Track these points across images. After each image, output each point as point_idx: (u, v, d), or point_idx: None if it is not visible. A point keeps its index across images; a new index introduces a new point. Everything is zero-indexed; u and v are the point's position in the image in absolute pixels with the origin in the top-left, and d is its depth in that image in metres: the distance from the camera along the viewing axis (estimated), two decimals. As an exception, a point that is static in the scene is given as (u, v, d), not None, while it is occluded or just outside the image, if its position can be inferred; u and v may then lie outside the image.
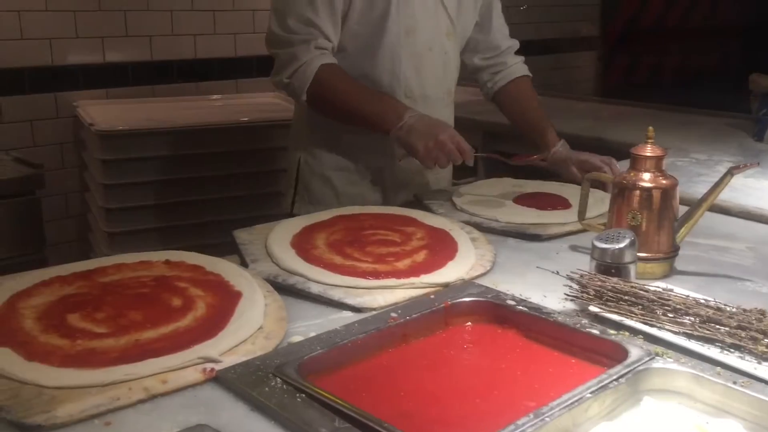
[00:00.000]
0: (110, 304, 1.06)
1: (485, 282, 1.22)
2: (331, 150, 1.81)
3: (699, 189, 1.76)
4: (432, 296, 1.15)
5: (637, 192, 1.25)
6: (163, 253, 1.24)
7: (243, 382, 0.89)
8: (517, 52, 2.04)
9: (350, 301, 1.13)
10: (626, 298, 1.06)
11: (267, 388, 0.88)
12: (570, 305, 1.12)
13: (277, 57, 1.70)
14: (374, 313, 1.10)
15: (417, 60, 1.76)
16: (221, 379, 0.91)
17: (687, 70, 4.65)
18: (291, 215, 1.76)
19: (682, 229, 1.27)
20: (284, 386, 0.88)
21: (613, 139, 2.56)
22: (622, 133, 2.60)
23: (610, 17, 4.69)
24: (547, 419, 0.79)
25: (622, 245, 1.14)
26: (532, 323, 1.07)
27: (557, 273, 1.15)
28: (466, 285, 1.20)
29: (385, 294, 1.15)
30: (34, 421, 0.80)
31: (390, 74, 1.74)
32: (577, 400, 0.83)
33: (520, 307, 1.10)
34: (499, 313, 1.11)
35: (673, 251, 1.26)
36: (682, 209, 1.30)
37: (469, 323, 1.11)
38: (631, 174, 1.26)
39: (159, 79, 3.07)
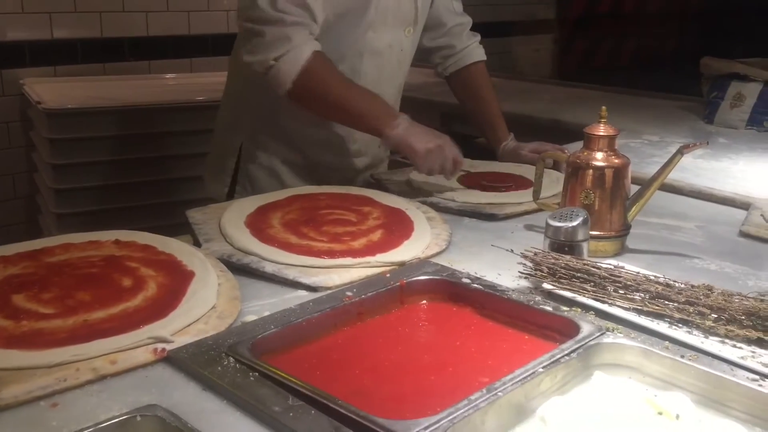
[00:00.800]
0: (57, 285, 1.03)
1: (441, 261, 1.22)
2: (280, 141, 1.75)
3: (651, 169, 1.78)
4: (387, 275, 1.14)
5: (590, 171, 1.26)
6: (113, 233, 1.21)
7: (195, 362, 0.88)
8: (485, 34, 2.01)
9: (305, 280, 1.12)
10: (578, 275, 1.07)
11: (219, 368, 0.86)
12: (524, 283, 1.13)
13: (260, 34, 1.55)
14: (329, 292, 1.10)
15: (377, 57, 1.71)
16: (173, 359, 0.89)
17: (644, 55, 4.72)
18: None
19: (634, 207, 1.29)
20: (237, 365, 0.87)
21: (569, 120, 2.59)
22: (578, 115, 2.62)
23: (567, 1, 4.73)
24: (499, 394, 0.80)
25: (575, 223, 1.15)
26: (486, 301, 1.07)
27: (511, 251, 1.15)
28: (421, 264, 1.20)
29: (340, 273, 1.14)
30: (-24, 403, 0.78)
31: (351, 70, 1.68)
32: (529, 375, 0.84)
33: (475, 285, 1.10)
34: (454, 291, 1.11)
35: (625, 230, 1.28)
36: (634, 189, 1.32)
37: (425, 301, 1.11)
38: (584, 153, 1.28)
39: (109, 56, 2.99)
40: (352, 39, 1.65)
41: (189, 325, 0.96)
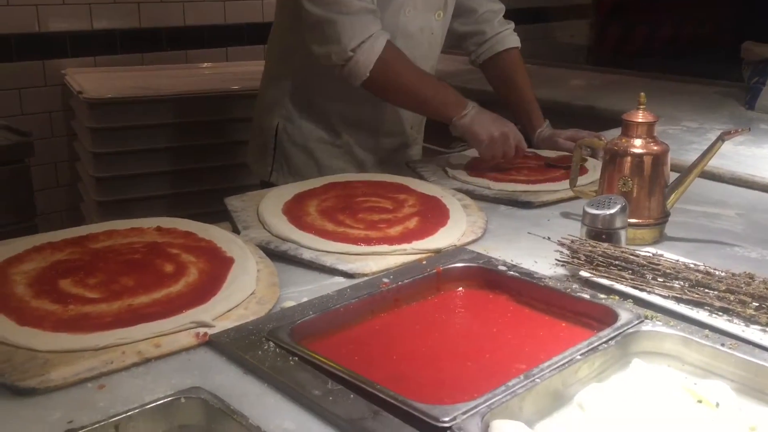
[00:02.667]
0: (102, 270, 1.06)
1: (476, 248, 1.22)
2: (316, 122, 1.78)
3: (690, 157, 1.76)
4: (424, 262, 1.15)
5: (629, 158, 1.25)
6: (155, 220, 1.23)
7: (236, 346, 0.90)
8: (518, 21, 2.00)
9: (342, 266, 1.14)
10: (616, 263, 1.07)
11: (260, 352, 0.88)
12: (561, 271, 1.13)
13: (331, 23, 1.55)
14: (366, 278, 1.11)
15: (409, 40, 1.72)
16: (214, 343, 0.91)
17: (681, 39, 4.62)
18: (270, 185, 1.74)
19: (673, 195, 1.28)
20: (277, 350, 0.88)
21: (605, 107, 2.55)
22: (614, 101, 2.59)
23: (603, -14, 4.65)
24: (537, 380, 0.80)
25: (612, 211, 1.15)
26: (523, 288, 1.07)
27: (548, 239, 1.15)
28: (457, 251, 1.20)
29: (377, 260, 1.15)
30: (28, 384, 0.81)
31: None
32: (567, 362, 0.84)
33: (512, 273, 1.10)
34: (491, 278, 1.11)
35: (664, 217, 1.27)
36: (673, 176, 1.31)
37: (461, 288, 1.12)
38: (623, 140, 1.26)
39: (147, 46, 3.03)
40: (385, 22, 1.66)
41: (229, 311, 0.98)
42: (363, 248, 1.19)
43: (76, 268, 1.06)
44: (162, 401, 0.77)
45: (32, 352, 0.86)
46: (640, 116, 1.25)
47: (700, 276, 1.01)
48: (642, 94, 1.26)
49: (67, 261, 1.08)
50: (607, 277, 1.05)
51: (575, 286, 1.06)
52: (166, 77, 2.88)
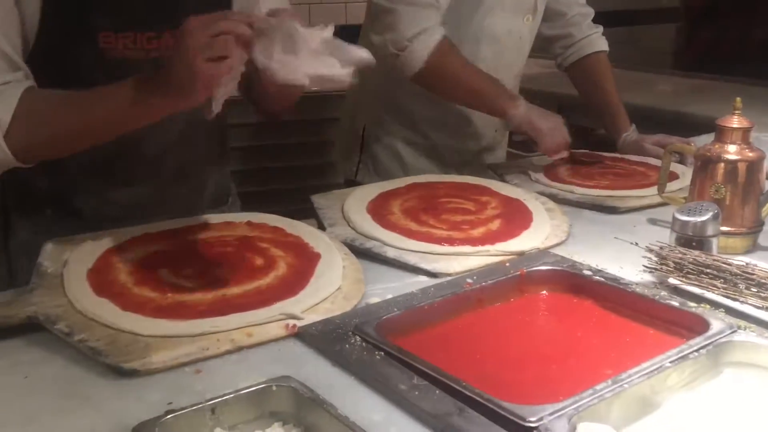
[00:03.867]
0: (197, 261, 1.11)
1: (560, 252, 1.21)
2: (402, 123, 1.80)
3: (786, 165, 1.70)
4: (507, 264, 1.15)
5: (722, 164, 1.22)
6: (246, 215, 1.28)
7: (324, 339, 0.92)
8: (605, 24, 1.98)
9: (426, 266, 1.15)
10: (708, 271, 1.04)
11: (347, 345, 0.90)
12: (648, 277, 1.11)
13: (392, 12, 1.59)
14: (449, 278, 1.12)
15: (495, 44, 1.72)
16: (303, 335, 0.94)
17: (775, 44, 4.44)
18: (354, 183, 1.77)
19: (768, 203, 1.24)
20: (363, 344, 0.91)
21: (693, 112, 2.48)
22: (702, 107, 2.52)
23: (693, -12, 4.51)
24: (625, 386, 0.80)
25: (704, 218, 1.12)
26: (609, 293, 1.06)
27: (636, 244, 1.13)
28: (540, 254, 1.20)
29: (460, 260, 1.16)
30: (131, 366, 0.85)
31: (469, 55, 1.67)
32: (656, 369, 0.83)
33: (597, 278, 1.09)
34: (575, 282, 1.10)
35: (757, 226, 1.23)
36: (768, 184, 1.27)
37: (545, 292, 1.11)
38: (716, 146, 1.23)
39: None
40: (470, 24, 1.68)
41: (317, 304, 1.01)
42: (446, 248, 1.20)
43: (173, 258, 1.11)
44: (255, 388, 0.80)
45: (134, 335, 0.91)
46: (735, 121, 1.21)
47: (797, 287, 0.98)
48: (738, 99, 1.22)
49: (165, 252, 1.14)
50: (697, 286, 1.03)
51: (663, 293, 1.04)
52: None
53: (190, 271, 1.08)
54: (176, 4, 1.18)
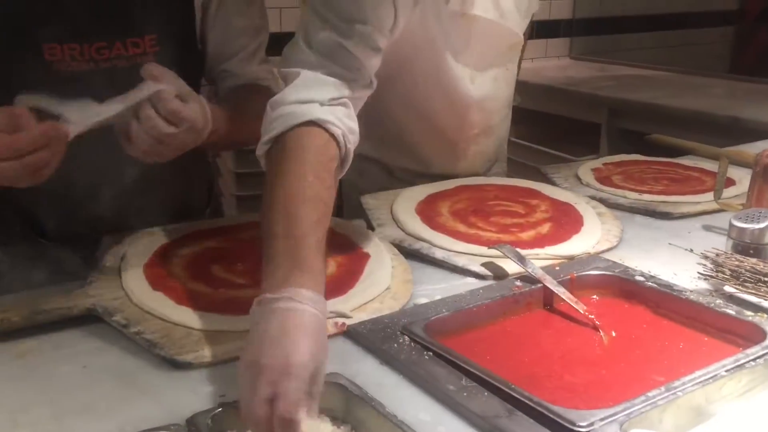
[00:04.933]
0: (248, 258, 1.12)
1: (611, 257, 1.20)
2: (381, 172, 1.57)
3: None
4: (557, 268, 1.14)
5: (782, 170, 1.19)
6: (296, 214, 1.29)
7: (372, 338, 0.93)
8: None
9: (474, 268, 1.15)
10: (765, 279, 1.02)
11: (395, 345, 0.91)
12: (703, 285, 1.09)
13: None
14: (498, 281, 1.11)
15: (484, 103, 1.48)
16: (352, 333, 0.95)
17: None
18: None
19: (830, 211, 1.20)
20: (412, 343, 0.91)
21: (750, 117, 2.43)
22: (759, 112, 2.46)
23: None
24: (679, 393, 0.78)
25: (763, 225, 1.09)
26: (662, 300, 1.04)
27: (691, 251, 1.11)
28: (591, 259, 1.18)
29: (509, 263, 1.16)
30: (184, 358, 0.87)
31: (459, 120, 1.47)
32: (711, 377, 0.81)
33: (650, 283, 1.08)
34: (627, 288, 1.09)
35: (819, 234, 1.19)
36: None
37: (595, 296, 1.10)
38: (776, 151, 1.20)
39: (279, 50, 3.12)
40: (457, 98, 1.43)
41: (365, 303, 1.02)
42: (495, 251, 1.19)
43: (224, 255, 1.13)
44: (305, 383, 0.81)
45: (188, 329, 0.93)
46: (797, 127, 1.18)
47: None
48: (800, 103, 1.19)
49: (217, 248, 1.16)
50: (755, 294, 1.01)
51: (719, 301, 1.02)
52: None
53: (241, 267, 1.10)
54: (125, 13, 1.17)
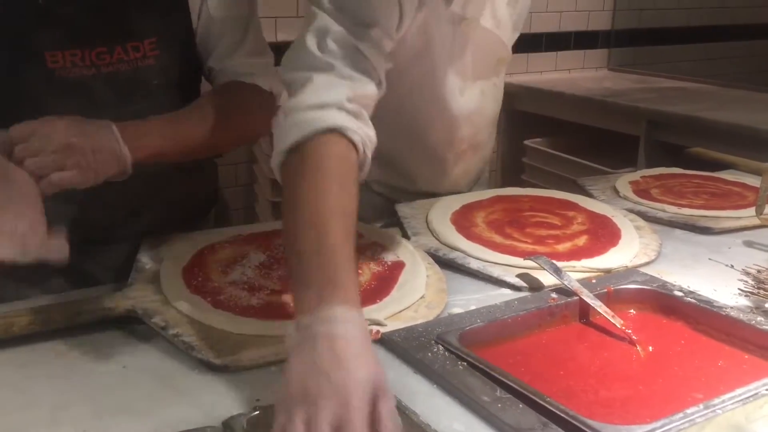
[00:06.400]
0: (284, 265, 1.13)
1: (649, 271, 1.18)
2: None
3: None
4: (593, 281, 1.13)
5: (828, 187, 1.16)
6: (332, 221, 1.30)
7: (407, 346, 0.93)
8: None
9: (509, 279, 1.14)
10: (809, 297, 1.00)
11: (429, 354, 0.91)
12: (743, 301, 1.07)
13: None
14: (534, 293, 1.11)
15: (471, 117, 1.45)
16: (386, 342, 0.95)
17: None
18: None
19: None
20: (446, 353, 0.91)
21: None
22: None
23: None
24: (718, 411, 0.77)
25: (807, 242, 1.07)
26: (701, 316, 1.03)
27: (731, 267, 1.09)
28: (628, 272, 1.17)
29: (544, 275, 1.15)
30: (222, 361, 0.89)
31: (446, 142, 1.46)
32: (751, 396, 0.80)
33: (689, 299, 1.06)
34: (665, 303, 1.07)
35: None
36: None
37: (632, 311, 1.09)
38: (822, 167, 1.18)
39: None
40: (445, 111, 1.41)
41: (400, 312, 1.02)
42: (530, 262, 1.19)
43: (262, 261, 1.14)
44: (340, 390, 0.81)
45: (225, 332, 0.94)
46: None
47: None
48: None
49: (256, 253, 1.17)
50: (797, 312, 0.99)
51: (760, 318, 1.00)
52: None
53: (279, 273, 1.10)
54: (124, 17, 1.18)
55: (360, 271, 1.12)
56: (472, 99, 1.44)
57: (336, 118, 0.97)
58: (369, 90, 1.07)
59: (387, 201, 1.52)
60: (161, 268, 1.10)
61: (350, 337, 0.74)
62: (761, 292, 1.04)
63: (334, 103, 0.99)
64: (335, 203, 0.89)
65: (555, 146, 3.32)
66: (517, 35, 1.48)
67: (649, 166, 2.90)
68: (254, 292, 1.04)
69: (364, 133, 1.00)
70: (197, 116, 1.20)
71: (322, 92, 1.00)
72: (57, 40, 1.15)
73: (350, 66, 1.05)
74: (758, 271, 1.06)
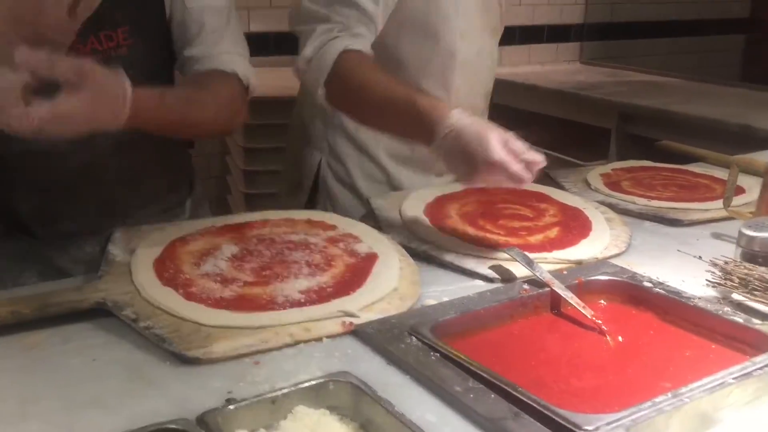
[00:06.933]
0: (258, 257, 1.13)
1: (620, 263, 1.20)
2: (359, 157, 1.60)
3: None
4: (564, 272, 1.14)
5: (793, 180, 1.19)
6: (306, 213, 1.30)
7: (380, 338, 0.93)
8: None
9: (482, 270, 1.15)
10: (774, 288, 1.02)
11: (402, 345, 0.91)
12: (711, 292, 1.09)
13: (298, 38, 1.42)
14: (506, 284, 1.12)
15: (468, 68, 1.54)
16: (359, 333, 0.96)
17: None
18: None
19: (840, 221, 1.19)
20: (419, 344, 0.91)
21: (762, 126, 2.43)
22: (771, 120, 2.46)
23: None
24: (686, 400, 0.78)
25: (772, 234, 1.09)
26: (669, 306, 1.04)
27: (699, 258, 1.11)
28: (599, 264, 1.19)
29: (517, 267, 1.16)
30: (193, 354, 0.88)
31: (442, 86, 1.53)
32: (718, 385, 0.81)
33: (658, 290, 1.08)
34: (635, 293, 1.09)
35: (829, 244, 1.19)
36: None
37: (603, 301, 1.10)
38: (787, 160, 1.20)
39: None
40: (442, 49, 1.50)
41: (373, 303, 1.02)
42: (503, 254, 1.20)
43: (234, 252, 1.14)
44: (314, 382, 0.82)
45: (197, 325, 0.94)
46: (809, 136, 1.18)
47: None
48: (812, 112, 1.19)
49: (228, 245, 1.16)
50: (763, 302, 1.01)
51: (727, 308, 1.02)
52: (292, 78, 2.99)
53: (251, 265, 1.10)
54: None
55: (333, 263, 1.12)
56: (471, 48, 1.54)
57: (347, 43, 1.33)
58: (360, 29, 1.36)
59: (385, 172, 1.62)
60: (132, 260, 1.09)
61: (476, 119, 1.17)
62: (728, 282, 1.06)
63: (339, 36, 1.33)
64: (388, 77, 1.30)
65: (528, 139, 3.33)
66: (501, 19, 1.61)
67: (621, 158, 2.93)
68: (227, 284, 1.04)
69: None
70: (203, 97, 1.21)
71: (325, 35, 1.34)
72: None
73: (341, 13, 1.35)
74: (725, 263, 1.08)
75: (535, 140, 3.59)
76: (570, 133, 3.33)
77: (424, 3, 1.45)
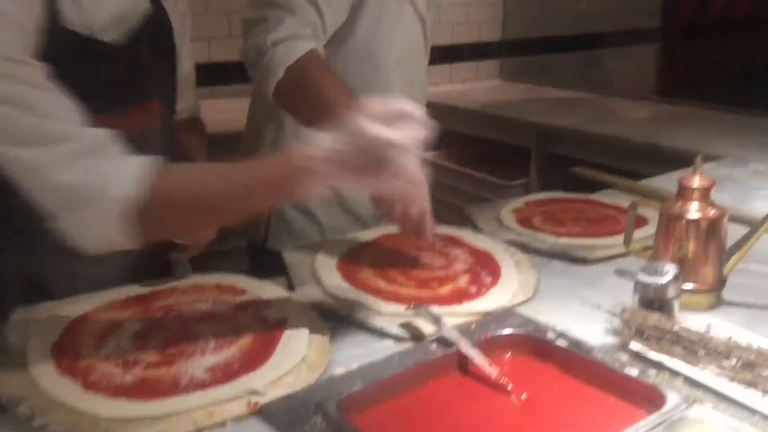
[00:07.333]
0: (163, 330, 1.11)
1: (526, 310, 1.22)
2: None
3: (756, 206, 1.72)
4: (473, 326, 1.16)
5: (683, 223, 1.23)
6: (214, 277, 1.28)
7: (285, 419, 0.93)
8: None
9: (392, 329, 1.16)
10: (668, 336, 1.06)
11: (308, 426, 0.91)
12: (611, 340, 1.12)
13: (263, 20, 1.43)
14: (416, 342, 1.13)
15: (403, 95, 1.55)
16: (265, 413, 0.95)
17: (757, 67, 4.46)
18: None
19: (732, 259, 1.25)
20: (324, 425, 0.91)
21: (670, 145, 2.50)
22: (679, 138, 2.54)
23: (673, 8, 4.54)
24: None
25: (665, 280, 1.13)
26: (569, 359, 1.07)
27: (598, 307, 1.15)
28: (506, 314, 1.21)
29: (426, 323, 1.17)
30: (90, 454, 0.86)
31: (386, 81, 1.60)
32: (610, 450, 0.84)
33: (559, 342, 1.10)
34: (538, 346, 1.11)
35: (720, 283, 1.24)
36: (738, 230, 1.28)
37: (509, 355, 1.12)
38: (678, 204, 1.25)
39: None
40: (381, 78, 1.58)
41: (280, 378, 1.01)
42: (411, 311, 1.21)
43: (138, 329, 1.11)
44: (212, 478, 0.81)
45: (95, 418, 0.91)
46: (696, 181, 1.23)
47: (753, 355, 0.99)
48: (699, 158, 1.24)
49: (131, 321, 1.14)
50: (658, 351, 1.04)
51: (625, 359, 1.05)
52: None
53: (154, 343, 1.08)
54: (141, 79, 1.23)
55: (240, 334, 1.11)
56: (405, 76, 1.62)
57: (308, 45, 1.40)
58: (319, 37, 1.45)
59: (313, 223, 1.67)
60: (29, 347, 1.06)
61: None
62: (626, 331, 1.09)
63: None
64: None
65: (451, 159, 3.39)
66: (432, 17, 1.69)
67: (542, 177, 3.00)
68: (128, 368, 1.01)
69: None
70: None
71: (294, 31, 1.40)
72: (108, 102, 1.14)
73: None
74: (622, 311, 1.11)
75: (458, 160, 3.65)
76: (493, 152, 3.39)
77: (369, 34, 1.55)
